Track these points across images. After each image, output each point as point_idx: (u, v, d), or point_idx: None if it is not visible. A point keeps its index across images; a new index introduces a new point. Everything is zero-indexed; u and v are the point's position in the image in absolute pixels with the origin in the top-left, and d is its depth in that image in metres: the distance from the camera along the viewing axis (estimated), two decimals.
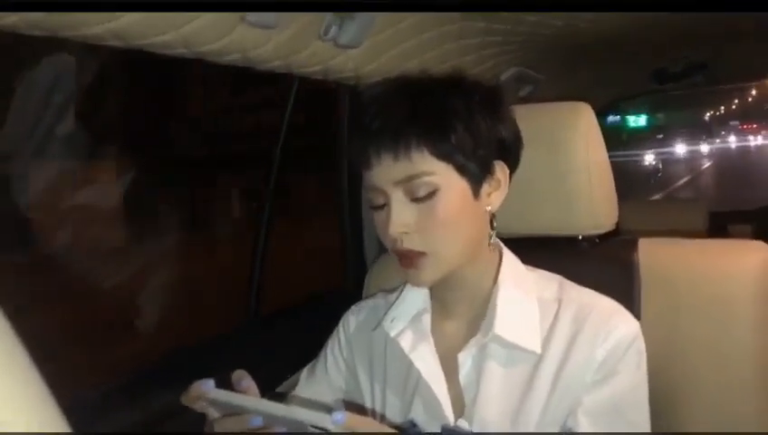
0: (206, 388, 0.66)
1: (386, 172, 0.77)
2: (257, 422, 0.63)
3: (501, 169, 0.82)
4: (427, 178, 0.76)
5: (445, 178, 0.77)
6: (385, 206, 0.78)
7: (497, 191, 0.82)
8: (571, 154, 0.97)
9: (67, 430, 0.32)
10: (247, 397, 0.66)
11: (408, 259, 0.78)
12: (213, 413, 0.69)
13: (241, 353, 1.24)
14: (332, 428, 0.57)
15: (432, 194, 0.76)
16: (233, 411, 0.66)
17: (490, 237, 0.83)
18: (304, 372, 1.00)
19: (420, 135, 0.75)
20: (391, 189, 0.77)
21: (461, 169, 0.77)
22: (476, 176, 0.79)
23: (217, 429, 0.68)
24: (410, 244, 0.77)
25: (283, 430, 0.62)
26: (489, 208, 0.82)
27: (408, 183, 0.76)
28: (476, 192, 0.79)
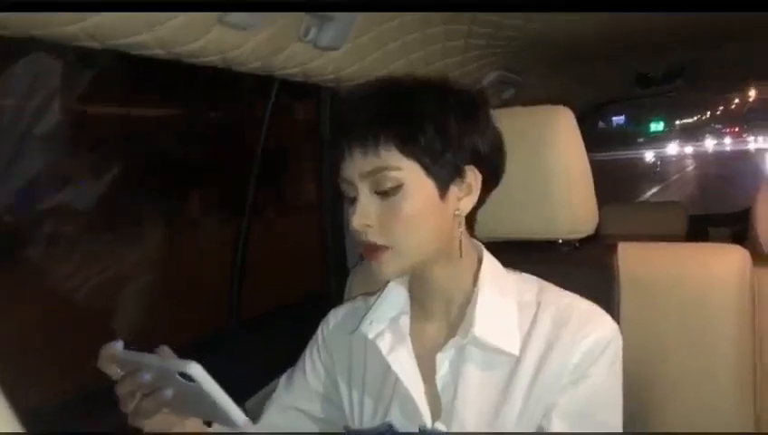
0: (113, 348, 0.71)
1: (355, 165, 0.79)
2: (146, 378, 0.68)
3: (473, 175, 0.82)
4: (392, 173, 0.77)
5: (410, 175, 0.78)
6: (355, 199, 0.80)
7: (468, 196, 0.82)
8: (551, 158, 0.97)
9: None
10: (143, 354, 0.70)
11: (371, 252, 0.80)
12: (119, 374, 0.72)
13: (220, 357, 1.22)
14: (189, 370, 0.64)
15: (396, 189, 0.78)
16: (131, 369, 0.70)
17: (459, 240, 0.83)
18: (284, 378, 0.99)
19: (389, 132, 0.77)
20: (359, 182, 0.79)
21: (428, 170, 0.78)
22: (444, 178, 0.79)
23: (118, 390, 0.71)
24: (373, 237, 0.79)
25: (171, 385, 0.67)
26: (458, 212, 0.82)
27: (374, 176, 0.78)
28: (443, 194, 0.80)
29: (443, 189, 0.80)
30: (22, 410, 0.36)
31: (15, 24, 0.70)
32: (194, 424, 0.78)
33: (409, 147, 0.77)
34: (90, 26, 0.73)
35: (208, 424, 0.83)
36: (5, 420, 0.31)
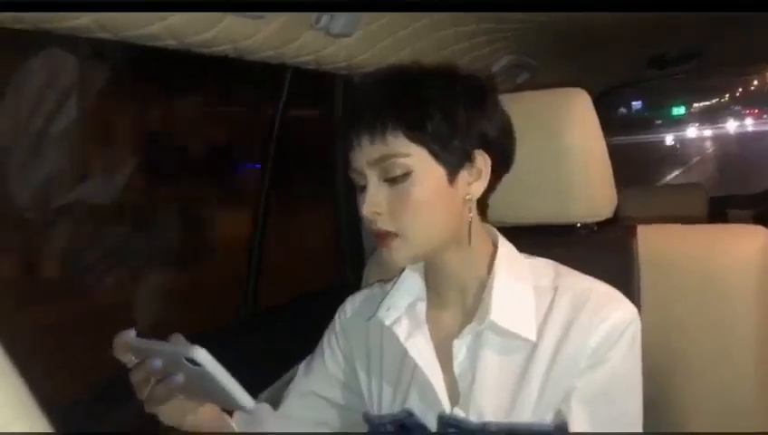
0: (127, 336, 0.71)
1: (363, 153, 0.79)
2: (157, 364, 0.69)
3: (482, 159, 0.81)
4: (400, 160, 0.77)
5: (419, 162, 0.78)
6: (365, 187, 0.80)
7: (478, 181, 0.82)
8: (568, 141, 0.96)
9: (49, 429, 0.31)
10: (154, 341, 0.71)
11: (382, 239, 0.80)
12: (133, 361, 0.73)
13: (238, 349, 1.23)
14: (194, 354, 0.65)
15: (405, 176, 0.78)
16: (144, 356, 0.71)
17: (469, 225, 0.83)
18: (302, 366, 1.00)
19: (397, 119, 0.77)
20: (368, 170, 0.79)
21: (436, 156, 0.78)
22: (453, 163, 0.79)
23: (132, 377, 0.73)
24: (383, 224, 0.79)
25: (181, 370, 0.68)
26: (468, 197, 0.82)
27: (382, 163, 0.78)
28: (452, 179, 0.80)
29: (452, 175, 0.79)
30: (54, 404, 0.37)
31: (29, 17, 0.70)
32: (209, 410, 0.79)
33: (417, 133, 0.77)
34: (102, 18, 0.73)
35: (229, 412, 0.84)
36: (33, 419, 0.31)
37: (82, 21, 0.73)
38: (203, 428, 0.78)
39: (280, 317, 1.44)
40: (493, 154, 0.82)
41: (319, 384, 0.96)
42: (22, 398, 0.30)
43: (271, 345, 1.30)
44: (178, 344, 0.71)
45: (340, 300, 1.00)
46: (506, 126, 0.86)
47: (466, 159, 0.80)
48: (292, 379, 1.00)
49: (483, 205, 0.86)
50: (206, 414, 0.79)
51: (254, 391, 0.69)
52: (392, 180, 0.78)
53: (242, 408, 0.69)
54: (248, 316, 1.38)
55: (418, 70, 0.85)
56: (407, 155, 0.77)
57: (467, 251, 0.84)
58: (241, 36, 0.90)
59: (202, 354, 0.65)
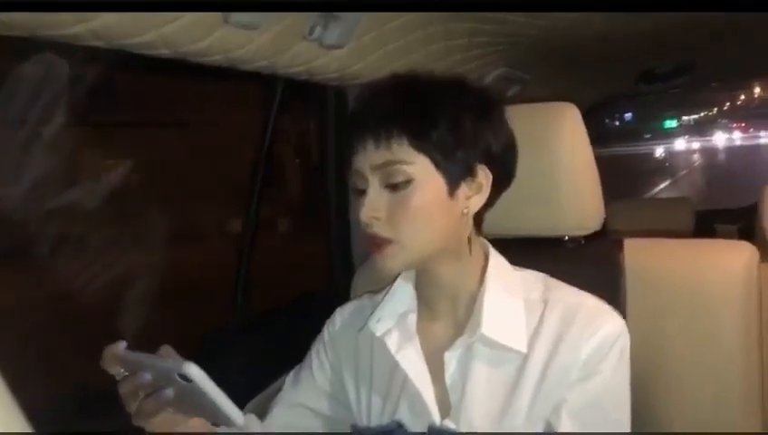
0: (117, 348, 0.71)
1: (367, 157, 0.79)
2: (146, 378, 0.68)
3: (484, 174, 0.82)
4: (403, 167, 0.77)
5: (421, 170, 0.78)
6: (364, 192, 0.80)
7: (477, 195, 0.82)
8: (557, 155, 0.96)
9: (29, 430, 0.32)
10: (144, 354, 0.71)
11: (376, 245, 0.80)
12: (122, 374, 0.72)
13: (226, 356, 1.23)
14: (186, 370, 0.64)
15: (406, 183, 0.78)
16: (134, 369, 0.71)
17: (469, 240, 0.83)
18: (290, 376, 0.99)
19: (402, 126, 0.77)
20: (369, 174, 0.80)
21: (438, 166, 0.78)
22: (454, 175, 0.79)
23: (120, 390, 0.72)
24: (380, 230, 0.79)
25: (171, 385, 0.67)
26: (466, 211, 0.82)
27: (384, 169, 0.78)
28: (452, 192, 0.80)
29: (453, 187, 0.80)
30: (34, 408, 0.37)
31: (21, 25, 0.70)
32: (198, 424, 0.79)
33: (421, 142, 0.77)
34: (95, 26, 0.73)
35: (216, 424, 0.84)
36: (13, 420, 0.31)
37: (76, 29, 0.73)
38: None
39: (268, 325, 1.44)
40: (495, 169, 0.82)
41: (306, 395, 0.96)
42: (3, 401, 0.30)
43: (260, 353, 1.29)
44: (169, 358, 0.71)
45: (330, 308, 1.00)
46: (511, 141, 0.86)
47: (468, 172, 0.80)
48: (278, 389, 1.00)
49: (479, 219, 0.86)
50: (195, 428, 0.78)
51: (241, 399, 0.69)
52: (393, 187, 0.78)
53: (232, 423, 0.68)
54: (236, 323, 1.38)
55: (427, 78, 0.85)
56: (410, 163, 0.77)
57: (461, 263, 0.85)
58: (234, 46, 0.91)
59: (194, 370, 0.64)
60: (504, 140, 0.84)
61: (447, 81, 0.84)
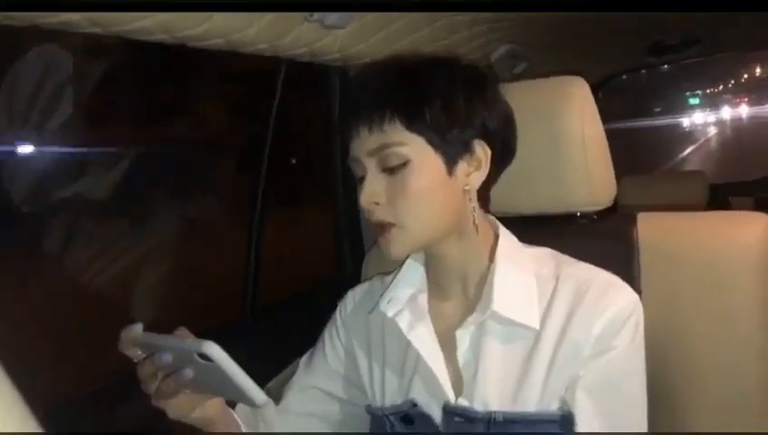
0: (134, 331, 0.71)
1: (362, 143, 0.79)
2: (166, 359, 0.68)
3: (482, 150, 0.81)
4: (398, 149, 0.77)
5: (417, 151, 0.77)
6: (363, 178, 0.80)
7: (477, 171, 0.81)
8: (566, 130, 0.95)
9: (38, 430, 0.31)
10: (162, 336, 0.71)
11: (380, 230, 0.80)
12: (140, 356, 0.72)
13: (239, 344, 1.22)
14: (206, 349, 0.64)
15: (403, 166, 0.77)
16: (152, 351, 0.71)
17: (475, 219, 0.82)
18: (303, 360, 1.00)
19: (395, 108, 0.77)
20: (366, 160, 0.79)
21: (434, 145, 0.78)
22: (451, 153, 0.79)
23: (139, 372, 0.72)
24: (381, 214, 0.79)
25: (190, 365, 0.67)
26: (467, 187, 0.81)
27: (380, 153, 0.78)
28: (451, 169, 0.79)
29: (450, 165, 0.79)
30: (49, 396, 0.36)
31: (17, 14, 0.69)
32: (216, 404, 0.79)
33: (415, 123, 0.77)
34: (92, 12, 0.72)
35: (232, 405, 0.84)
36: (20, 417, 0.30)
37: (73, 16, 0.72)
38: (209, 421, 0.78)
39: (281, 312, 1.44)
40: (493, 145, 0.81)
41: (320, 379, 0.96)
42: (7, 397, 0.30)
43: (272, 340, 1.29)
44: (187, 339, 0.71)
45: (340, 294, 1.00)
46: (507, 117, 0.85)
47: (465, 149, 0.80)
48: (292, 373, 1.00)
49: (484, 195, 0.85)
50: (213, 408, 0.78)
51: (258, 384, 0.68)
52: (390, 170, 0.78)
53: (253, 403, 0.68)
54: (249, 311, 1.38)
55: (417, 59, 0.84)
56: (404, 144, 0.77)
57: (469, 242, 0.84)
58: (234, 29, 0.89)
59: (215, 350, 0.64)
60: (499, 114, 0.83)
61: (437, 60, 0.84)
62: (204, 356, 0.64)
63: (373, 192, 0.79)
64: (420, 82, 0.78)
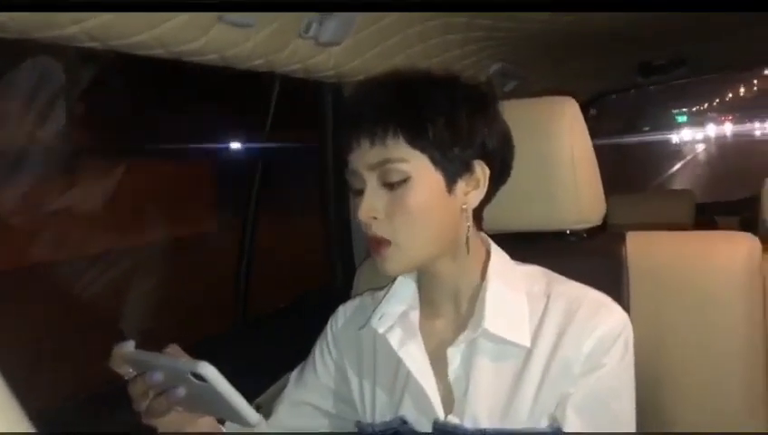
0: (126, 348, 0.70)
1: (363, 156, 0.78)
2: (158, 378, 0.68)
3: (481, 169, 0.81)
4: (399, 165, 0.77)
5: (418, 168, 0.77)
6: (362, 191, 0.80)
7: (475, 190, 0.82)
8: (556, 149, 0.96)
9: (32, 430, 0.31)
10: (155, 354, 0.70)
11: (376, 246, 0.80)
12: (131, 374, 0.72)
13: (229, 356, 1.22)
14: (201, 370, 0.64)
15: (403, 182, 0.77)
16: (143, 369, 0.70)
17: (467, 235, 0.83)
18: (294, 374, 0.99)
19: (398, 123, 0.77)
20: (367, 174, 0.79)
21: (435, 163, 0.78)
22: (452, 171, 0.79)
23: (130, 390, 0.71)
24: (378, 230, 0.79)
25: (183, 384, 0.67)
26: (465, 206, 0.81)
27: (381, 168, 0.77)
28: (450, 188, 0.79)
29: (450, 183, 0.79)
30: (36, 409, 0.36)
31: (15, 26, 0.70)
32: (207, 422, 0.78)
33: (418, 140, 0.77)
34: (90, 27, 0.73)
35: (222, 422, 0.83)
36: (15, 421, 0.31)
37: (71, 30, 0.72)
38: None
39: (271, 324, 1.43)
40: (492, 164, 0.82)
41: (310, 394, 0.95)
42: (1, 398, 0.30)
43: (262, 352, 1.29)
44: (181, 358, 0.70)
45: (332, 306, 1.00)
46: (506, 136, 0.85)
47: (465, 168, 0.80)
48: (282, 388, 0.99)
49: (478, 214, 0.86)
50: (204, 426, 0.78)
51: (247, 399, 0.68)
52: (390, 185, 0.78)
53: (246, 422, 0.67)
54: (239, 323, 1.37)
55: (421, 76, 0.84)
56: (406, 160, 0.77)
57: (462, 259, 0.84)
58: (230, 45, 0.90)
59: (210, 370, 0.64)
60: (499, 134, 0.83)
61: (441, 77, 0.84)
62: (198, 376, 0.64)
63: (372, 207, 0.78)
64: (424, 100, 0.78)
